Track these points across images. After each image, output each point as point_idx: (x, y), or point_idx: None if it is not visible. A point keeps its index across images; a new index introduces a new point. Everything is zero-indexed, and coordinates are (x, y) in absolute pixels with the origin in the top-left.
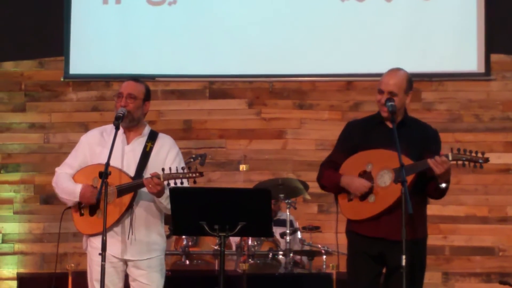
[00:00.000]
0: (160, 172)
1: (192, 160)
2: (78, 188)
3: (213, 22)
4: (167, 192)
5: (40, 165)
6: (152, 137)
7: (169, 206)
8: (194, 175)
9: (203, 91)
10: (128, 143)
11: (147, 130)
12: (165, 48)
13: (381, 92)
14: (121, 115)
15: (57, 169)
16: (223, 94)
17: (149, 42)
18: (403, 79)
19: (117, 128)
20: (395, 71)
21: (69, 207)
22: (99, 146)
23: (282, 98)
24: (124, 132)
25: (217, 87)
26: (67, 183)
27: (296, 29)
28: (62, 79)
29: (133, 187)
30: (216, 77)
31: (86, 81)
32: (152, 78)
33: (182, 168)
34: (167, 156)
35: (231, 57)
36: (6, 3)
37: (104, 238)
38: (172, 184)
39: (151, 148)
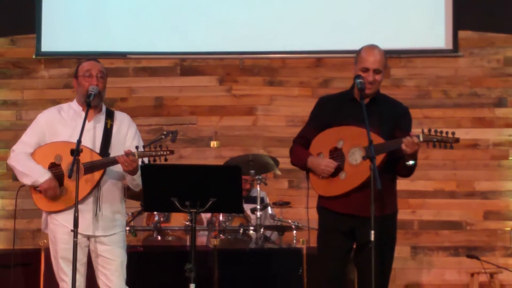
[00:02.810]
0: (132, 149)
1: (163, 136)
2: (42, 177)
3: (184, 0)
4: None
5: (13, 141)
6: (110, 115)
7: (140, 183)
8: (165, 152)
9: (174, 68)
10: (89, 121)
11: (104, 108)
12: (136, 25)
13: (365, 70)
14: (93, 92)
15: (15, 148)
16: (194, 71)
17: (120, 20)
18: (383, 56)
19: (88, 106)
20: (375, 48)
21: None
22: (58, 124)
23: (252, 75)
24: (83, 109)
25: (188, 64)
26: (30, 163)
27: (266, 7)
28: (34, 57)
29: (104, 164)
30: (187, 54)
31: (58, 58)
32: (123, 55)
33: (154, 147)
34: (127, 133)
35: (202, 35)
36: None
37: (76, 214)
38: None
39: (111, 126)
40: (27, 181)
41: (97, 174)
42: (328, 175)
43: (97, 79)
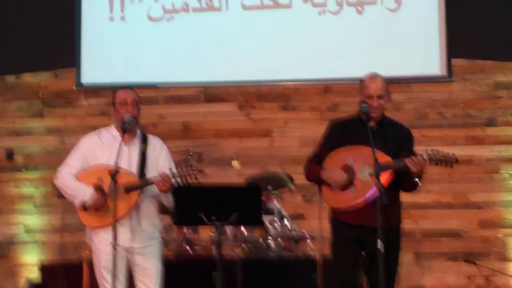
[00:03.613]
0: (165, 171)
1: (190, 157)
2: (87, 194)
3: (206, 35)
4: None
5: (57, 164)
6: (144, 139)
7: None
8: (195, 172)
9: (199, 96)
10: (125, 145)
11: (139, 132)
12: (165, 58)
13: (369, 96)
14: (129, 120)
15: (60, 169)
16: (217, 98)
17: (150, 54)
18: (384, 83)
19: (124, 132)
20: (377, 76)
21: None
22: (98, 148)
23: (268, 101)
24: (121, 135)
25: (211, 92)
26: (73, 183)
27: (280, 40)
28: (74, 88)
29: (142, 185)
30: (210, 84)
31: (96, 89)
32: (153, 85)
33: (185, 166)
34: (160, 156)
35: (223, 66)
36: (24, 22)
37: (115, 228)
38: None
39: (146, 149)
40: (75, 201)
41: (135, 194)
42: (340, 185)
43: (131, 107)
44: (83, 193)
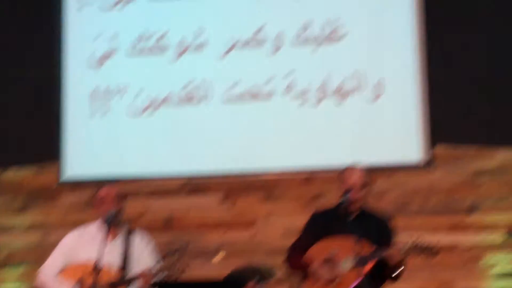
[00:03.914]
0: (149, 266)
1: (174, 250)
2: None
3: (188, 127)
4: None
5: (40, 260)
6: (129, 234)
7: None
8: (178, 270)
9: (182, 188)
10: (109, 241)
11: (124, 228)
12: (148, 151)
13: (350, 188)
14: (112, 216)
15: (41, 268)
16: (200, 190)
17: (133, 147)
18: (364, 173)
19: (109, 228)
20: (357, 168)
21: None
22: (81, 245)
23: (251, 192)
24: (105, 231)
25: (194, 184)
26: (55, 284)
27: (262, 131)
28: (57, 183)
29: (127, 281)
30: (193, 175)
31: (79, 184)
32: (137, 178)
33: (169, 263)
34: (144, 251)
35: (206, 157)
36: (7, 117)
37: None
38: None
39: (131, 245)
40: None
41: None
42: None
43: (112, 203)
44: None
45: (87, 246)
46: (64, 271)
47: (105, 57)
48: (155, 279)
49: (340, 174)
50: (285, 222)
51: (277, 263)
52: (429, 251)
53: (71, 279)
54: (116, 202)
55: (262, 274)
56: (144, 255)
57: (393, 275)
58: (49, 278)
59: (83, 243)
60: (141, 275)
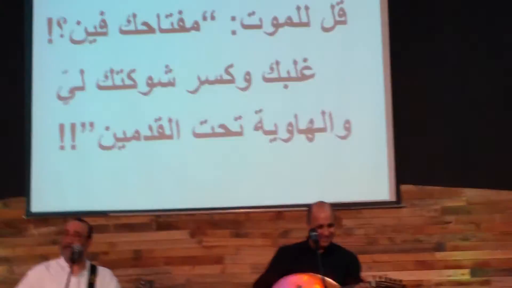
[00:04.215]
0: None
1: (141, 286)
2: None
3: (158, 163)
4: None
5: None
6: (93, 270)
7: None
8: None
9: (151, 224)
10: (74, 276)
11: (88, 264)
12: (116, 186)
13: (320, 226)
14: (77, 251)
15: None
16: (168, 226)
17: (102, 181)
18: (332, 210)
19: (73, 263)
20: (324, 205)
21: None
22: (46, 280)
23: (220, 228)
24: (69, 266)
25: (162, 220)
26: None
27: (231, 167)
28: (24, 217)
29: None
30: (161, 211)
31: (46, 218)
32: (105, 213)
33: None
34: (108, 287)
35: (175, 194)
36: None
37: None
38: None
39: (94, 281)
40: None
41: None
42: None
43: (72, 237)
44: None
45: (52, 280)
46: None
47: (74, 90)
48: None
49: (308, 211)
50: (254, 258)
51: None
52: (395, 287)
53: None
54: (81, 237)
55: None
56: None
57: None
58: None
59: (48, 277)
60: None
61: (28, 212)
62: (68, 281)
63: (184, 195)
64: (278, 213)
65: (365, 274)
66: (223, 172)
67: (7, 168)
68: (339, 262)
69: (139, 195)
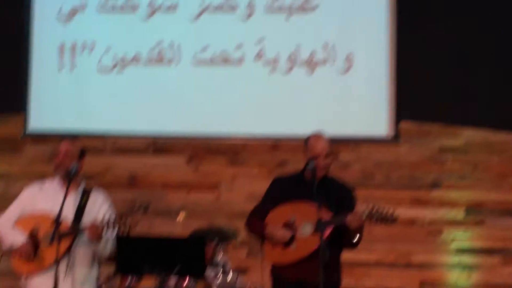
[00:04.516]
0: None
1: (136, 208)
2: (18, 238)
3: (156, 87)
4: (104, 239)
5: (2, 210)
6: (86, 192)
7: (106, 252)
8: (127, 224)
9: (147, 147)
10: (67, 195)
11: (82, 184)
12: (114, 109)
13: (316, 156)
14: (73, 170)
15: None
16: (165, 150)
17: (100, 104)
18: (328, 141)
19: (69, 182)
20: (321, 136)
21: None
22: (38, 197)
23: (217, 155)
24: (62, 186)
25: (159, 144)
26: (9, 231)
27: (230, 95)
28: (21, 135)
29: (71, 233)
30: (159, 136)
31: (43, 136)
32: (101, 135)
33: (119, 217)
34: (100, 210)
35: (173, 119)
36: None
37: (57, 281)
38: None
39: (85, 201)
40: (5, 246)
41: (66, 242)
42: (283, 242)
43: (71, 158)
44: (12, 238)
45: (44, 199)
46: (19, 221)
47: (75, 11)
48: (99, 233)
49: (306, 141)
50: (249, 187)
51: (239, 226)
52: (387, 218)
53: (25, 228)
54: (75, 157)
55: (223, 236)
56: (99, 212)
57: (351, 242)
58: (4, 227)
59: (40, 196)
60: (88, 227)
61: (26, 130)
62: (61, 199)
63: (182, 121)
64: (275, 143)
65: (359, 208)
66: (221, 100)
67: (6, 86)
68: (334, 192)
69: (137, 119)
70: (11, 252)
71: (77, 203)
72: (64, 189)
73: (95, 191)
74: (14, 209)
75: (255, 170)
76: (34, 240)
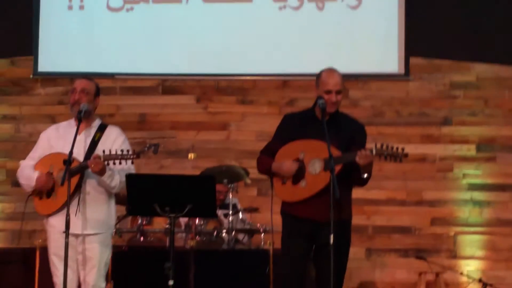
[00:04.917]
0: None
1: (146, 149)
2: (34, 175)
3: (166, 27)
4: (108, 172)
5: (12, 152)
6: (101, 128)
7: (112, 184)
8: (131, 156)
9: (157, 87)
10: (79, 134)
11: (97, 122)
12: (123, 49)
13: (328, 92)
14: (84, 110)
15: (21, 162)
16: (174, 90)
17: (109, 44)
18: (341, 77)
19: (79, 121)
20: (335, 71)
21: (31, 194)
22: (56, 139)
23: (226, 94)
24: (76, 124)
25: (169, 84)
26: (27, 172)
27: (239, 34)
28: (31, 76)
29: (79, 168)
30: (168, 76)
31: (53, 78)
32: (111, 75)
33: (121, 150)
34: (114, 144)
35: (182, 58)
36: None
37: (68, 218)
38: (112, 165)
39: (99, 138)
40: (27, 188)
41: (75, 179)
42: (291, 175)
43: (79, 94)
44: (31, 178)
45: (60, 138)
46: (38, 164)
47: None
48: (103, 165)
49: (318, 76)
50: (259, 126)
51: (249, 166)
52: (397, 155)
53: (43, 169)
54: (89, 95)
55: (233, 176)
56: (112, 147)
57: (361, 178)
58: (24, 168)
59: (57, 136)
60: (89, 162)
61: (35, 71)
62: (74, 137)
63: (191, 61)
64: (285, 81)
65: (370, 145)
66: (231, 38)
67: (15, 27)
68: (344, 129)
69: (146, 59)
70: (33, 193)
71: (90, 141)
72: (77, 127)
73: (110, 128)
74: (34, 153)
75: (264, 109)
76: (49, 177)
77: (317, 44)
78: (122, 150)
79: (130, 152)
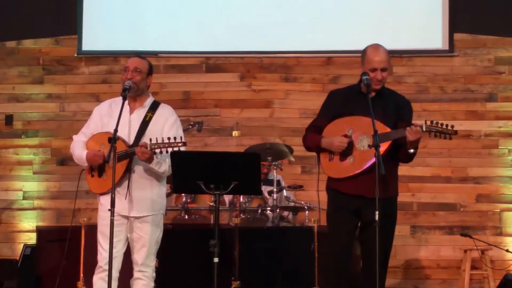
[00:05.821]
0: (154, 141)
1: (190, 127)
2: (85, 153)
3: (209, 5)
4: (156, 159)
5: (56, 131)
6: (153, 107)
7: (160, 170)
8: (178, 144)
9: (200, 65)
10: (131, 113)
11: (149, 101)
12: (167, 27)
13: (373, 69)
14: (127, 87)
15: (74, 136)
16: (218, 68)
17: (153, 22)
18: (387, 54)
19: (124, 99)
20: (380, 48)
21: (83, 169)
22: (107, 116)
23: (270, 72)
24: (129, 103)
25: (212, 62)
26: (78, 150)
27: (282, 11)
28: (75, 55)
29: (127, 154)
30: (211, 53)
31: (97, 56)
32: (155, 54)
33: (168, 138)
34: (165, 125)
35: (225, 36)
36: None
37: (113, 196)
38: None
39: (150, 118)
40: (79, 161)
41: (124, 162)
42: (341, 150)
43: (132, 73)
44: (83, 155)
45: (110, 115)
46: (89, 141)
47: None
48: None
49: (363, 52)
50: (302, 103)
51: (293, 144)
52: (446, 132)
53: (94, 147)
54: (142, 73)
55: (278, 153)
56: (163, 129)
57: (407, 153)
58: (76, 145)
59: (109, 113)
60: (136, 149)
61: (79, 50)
62: (119, 116)
63: (235, 38)
64: (328, 58)
65: (415, 122)
66: (274, 16)
67: (60, 6)
68: (391, 105)
69: (190, 37)
70: (87, 171)
71: (140, 121)
72: (131, 106)
73: (162, 107)
74: (86, 129)
75: (308, 86)
76: (99, 156)
77: (361, 21)
78: (169, 138)
79: (178, 140)
